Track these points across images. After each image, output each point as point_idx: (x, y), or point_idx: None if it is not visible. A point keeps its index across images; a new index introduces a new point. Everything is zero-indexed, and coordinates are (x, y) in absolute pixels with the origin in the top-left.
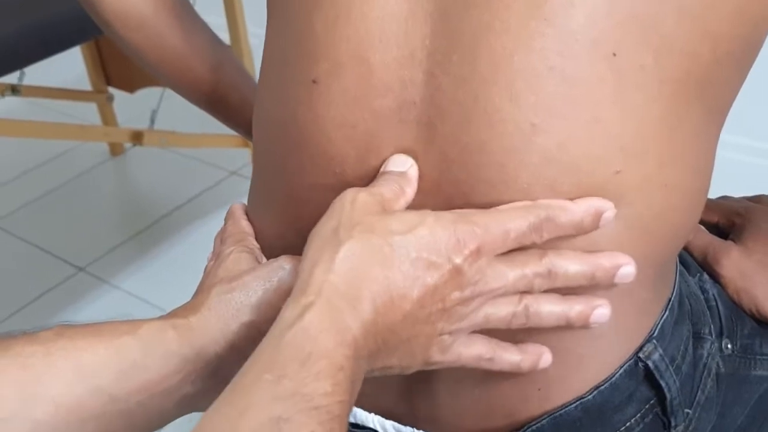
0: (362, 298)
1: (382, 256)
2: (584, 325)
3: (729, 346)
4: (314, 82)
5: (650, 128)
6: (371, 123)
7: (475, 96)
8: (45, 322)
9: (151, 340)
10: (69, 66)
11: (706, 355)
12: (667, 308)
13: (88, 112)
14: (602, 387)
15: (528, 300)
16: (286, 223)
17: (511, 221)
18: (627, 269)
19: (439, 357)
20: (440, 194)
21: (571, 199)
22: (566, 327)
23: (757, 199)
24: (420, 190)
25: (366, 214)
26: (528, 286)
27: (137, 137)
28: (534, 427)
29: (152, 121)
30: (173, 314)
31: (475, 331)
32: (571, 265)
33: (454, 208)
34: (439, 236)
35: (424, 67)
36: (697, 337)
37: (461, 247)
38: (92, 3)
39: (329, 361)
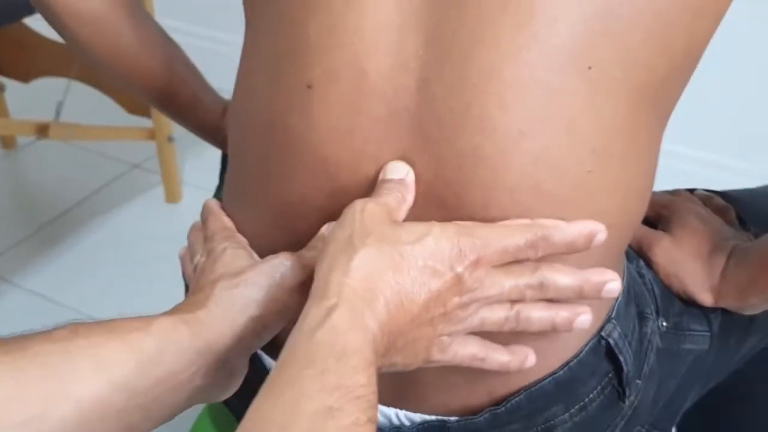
0: (377, 300)
1: (393, 263)
2: (567, 330)
3: (664, 323)
4: (309, 87)
5: (616, 133)
6: (367, 129)
7: (468, 104)
8: None
9: (165, 336)
10: None
11: (649, 332)
12: (621, 291)
13: None
14: (571, 363)
15: (519, 306)
16: (274, 222)
17: (510, 237)
18: (613, 285)
19: (438, 356)
20: (433, 195)
21: (550, 196)
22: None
23: (675, 193)
24: (415, 192)
25: (376, 224)
26: (521, 296)
27: (43, 130)
28: (513, 402)
29: (58, 113)
30: (179, 310)
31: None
32: (561, 278)
33: (447, 208)
34: (444, 247)
35: (417, 76)
36: (642, 317)
37: (463, 258)
38: None
39: (361, 356)
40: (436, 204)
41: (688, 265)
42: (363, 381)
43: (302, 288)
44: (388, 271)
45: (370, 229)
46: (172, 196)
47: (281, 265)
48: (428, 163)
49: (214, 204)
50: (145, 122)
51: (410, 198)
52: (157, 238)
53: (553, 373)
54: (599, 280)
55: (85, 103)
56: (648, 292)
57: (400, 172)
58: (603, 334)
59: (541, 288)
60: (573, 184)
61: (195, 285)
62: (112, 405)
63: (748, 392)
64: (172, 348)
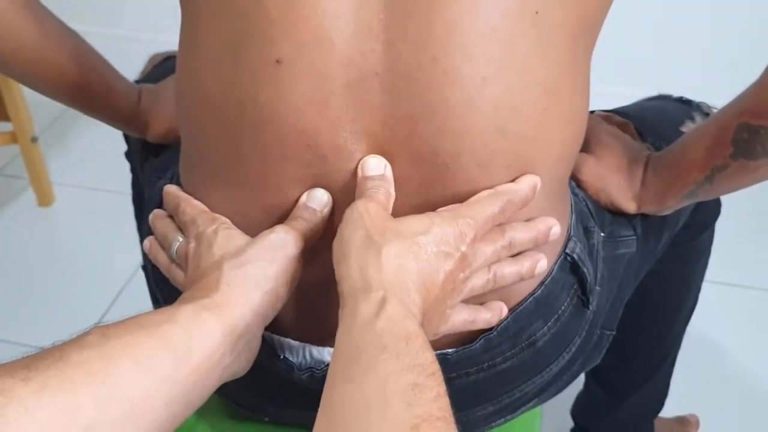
0: (409, 288)
1: (413, 254)
2: (531, 276)
3: (602, 234)
4: (278, 62)
5: (561, 71)
6: (340, 96)
7: (434, 58)
8: None
9: (192, 324)
10: None
11: (595, 243)
12: (572, 211)
13: None
14: (546, 281)
15: (494, 267)
16: (248, 198)
17: (488, 208)
18: (556, 228)
19: (443, 328)
20: (409, 151)
21: (515, 136)
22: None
23: None
24: (390, 149)
25: (386, 221)
26: (497, 257)
27: None
28: (502, 325)
29: None
30: (193, 297)
31: None
32: (522, 234)
33: (422, 161)
34: (448, 231)
35: (382, 39)
36: (587, 231)
37: (464, 237)
38: None
39: (422, 338)
40: (413, 159)
41: (612, 178)
42: (431, 358)
43: (303, 257)
44: (412, 262)
45: (383, 226)
46: (44, 199)
47: (282, 239)
48: (401, 120)
49: (178, 189)
50: (3, 126)
51: (392, 191)
52: (36, 245)
53: (533, 293)
54: (545, 227)
55: None
56: (585, 208)
57: (378, 168)
58: (567, 250)
59: (511, 246)
60: (532, 122)
61: (194, 271)
62: (159, 399)
63: (664, 284)
64: (200, 334)
